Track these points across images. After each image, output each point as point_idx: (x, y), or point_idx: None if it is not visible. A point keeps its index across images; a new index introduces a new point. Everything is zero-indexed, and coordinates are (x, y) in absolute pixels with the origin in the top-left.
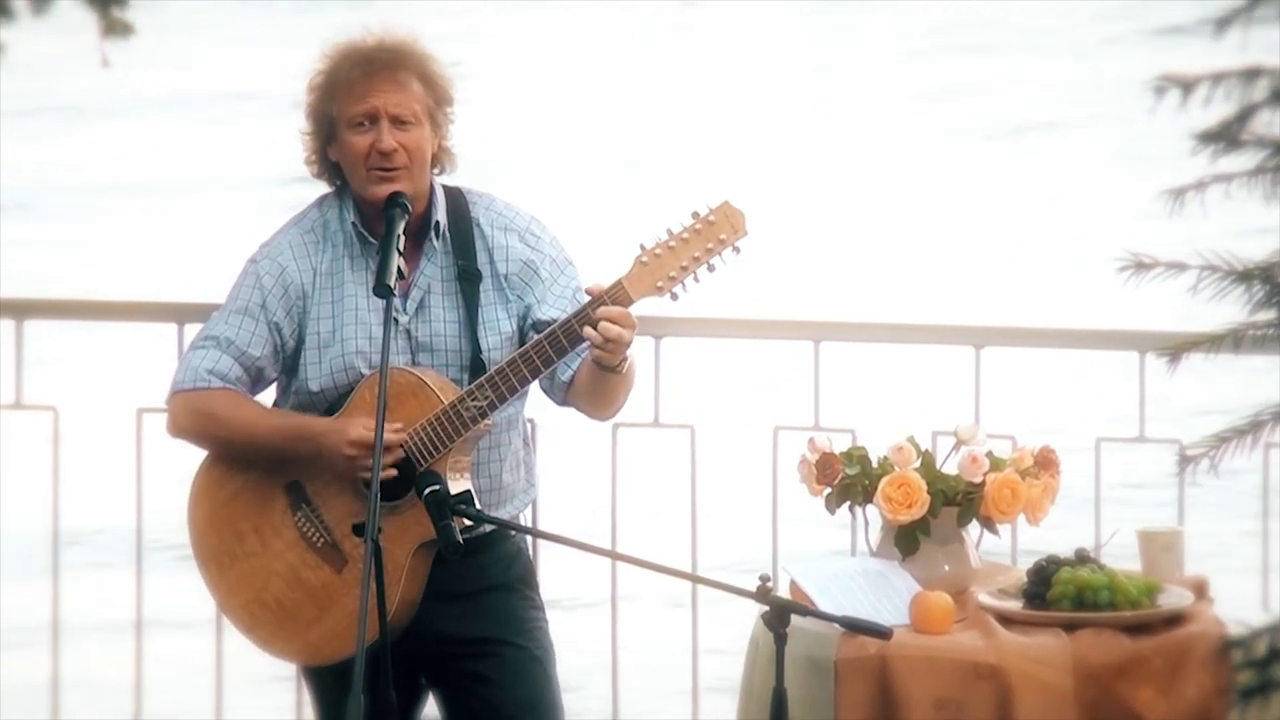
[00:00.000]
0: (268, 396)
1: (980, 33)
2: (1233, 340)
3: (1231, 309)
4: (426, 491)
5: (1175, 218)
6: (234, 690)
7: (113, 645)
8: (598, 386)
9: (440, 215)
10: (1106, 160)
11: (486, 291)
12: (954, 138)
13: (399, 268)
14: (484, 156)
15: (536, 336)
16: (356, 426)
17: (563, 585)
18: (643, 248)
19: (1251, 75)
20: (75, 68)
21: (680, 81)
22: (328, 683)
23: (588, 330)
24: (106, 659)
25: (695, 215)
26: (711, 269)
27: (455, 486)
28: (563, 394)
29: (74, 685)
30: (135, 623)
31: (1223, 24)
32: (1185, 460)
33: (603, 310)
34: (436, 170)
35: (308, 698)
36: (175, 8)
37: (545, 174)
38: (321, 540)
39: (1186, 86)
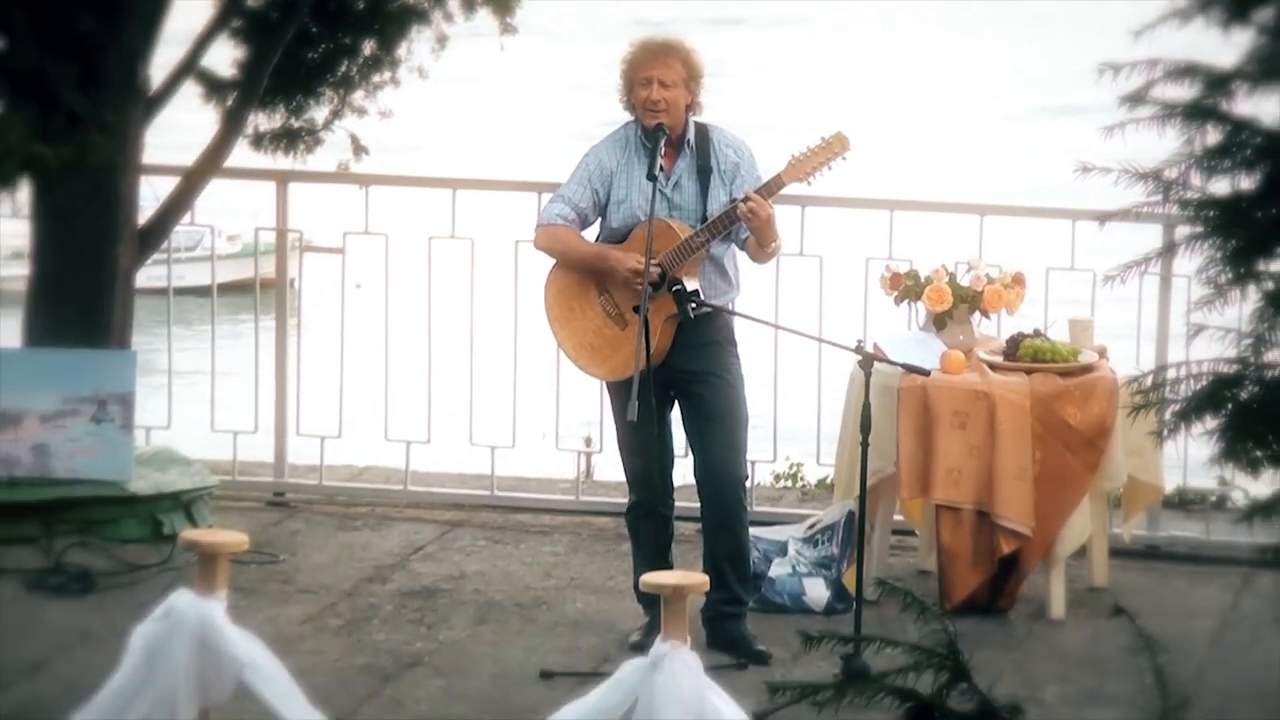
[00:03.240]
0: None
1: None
2: (1135, 215)
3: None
4: (673, 288)
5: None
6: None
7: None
8: (755, 253)
9: (690, 136)
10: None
11: (714, 179)
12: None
13: (660, 164)
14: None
15: (730, 205)
16: (632, 260)
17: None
18: (792, 155)
19: (1154, 63)
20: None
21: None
22: (618, 391)
23: (739, 206)
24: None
25: (821, 138)
26: (830, 169)
27: (690, 285)
28: (739, 246)
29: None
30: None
31: (1140, 32)
32: (1106, 279)
33: (750, 194)
34: (692, 112)
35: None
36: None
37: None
38: (614, 312)
39: (1117, 69)
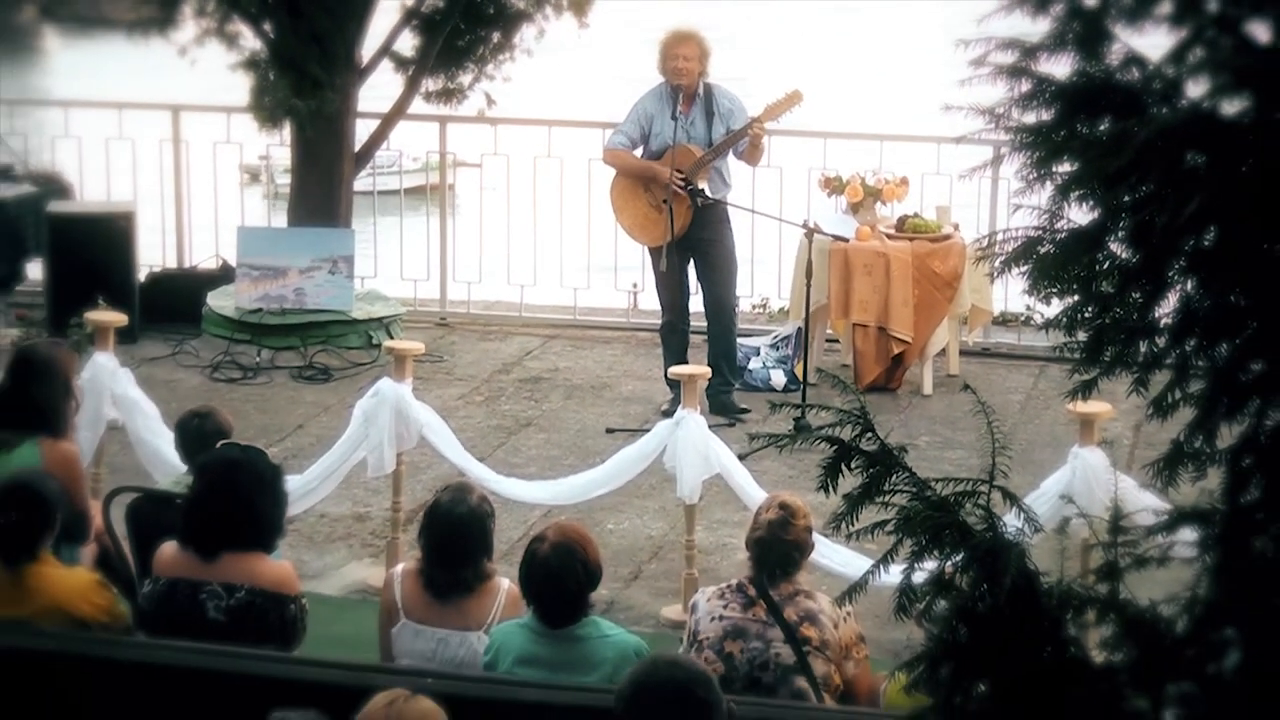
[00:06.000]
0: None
1: None
2: (976, 138)
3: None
4: (689, 187)
5: (962, 89)
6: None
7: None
8: (749, 158)
9: (700, 91)
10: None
11: (716, 119)
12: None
13: (680, 109)
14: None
15: (729, 134)
16: (669, 172)
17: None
18: (766, 104)
19: (990, 39)
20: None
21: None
22: (655, 252)
23: (754, 127)
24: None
25: (785, 91)
26: (791, 113)
27: (701, 185)
28: (739, 157)
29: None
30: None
31: (982, 20)
32: (960, 178)
33: (755, 123)
34: (703, 77)
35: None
36: None
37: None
38: (654, 203)
39: (968, 43)
